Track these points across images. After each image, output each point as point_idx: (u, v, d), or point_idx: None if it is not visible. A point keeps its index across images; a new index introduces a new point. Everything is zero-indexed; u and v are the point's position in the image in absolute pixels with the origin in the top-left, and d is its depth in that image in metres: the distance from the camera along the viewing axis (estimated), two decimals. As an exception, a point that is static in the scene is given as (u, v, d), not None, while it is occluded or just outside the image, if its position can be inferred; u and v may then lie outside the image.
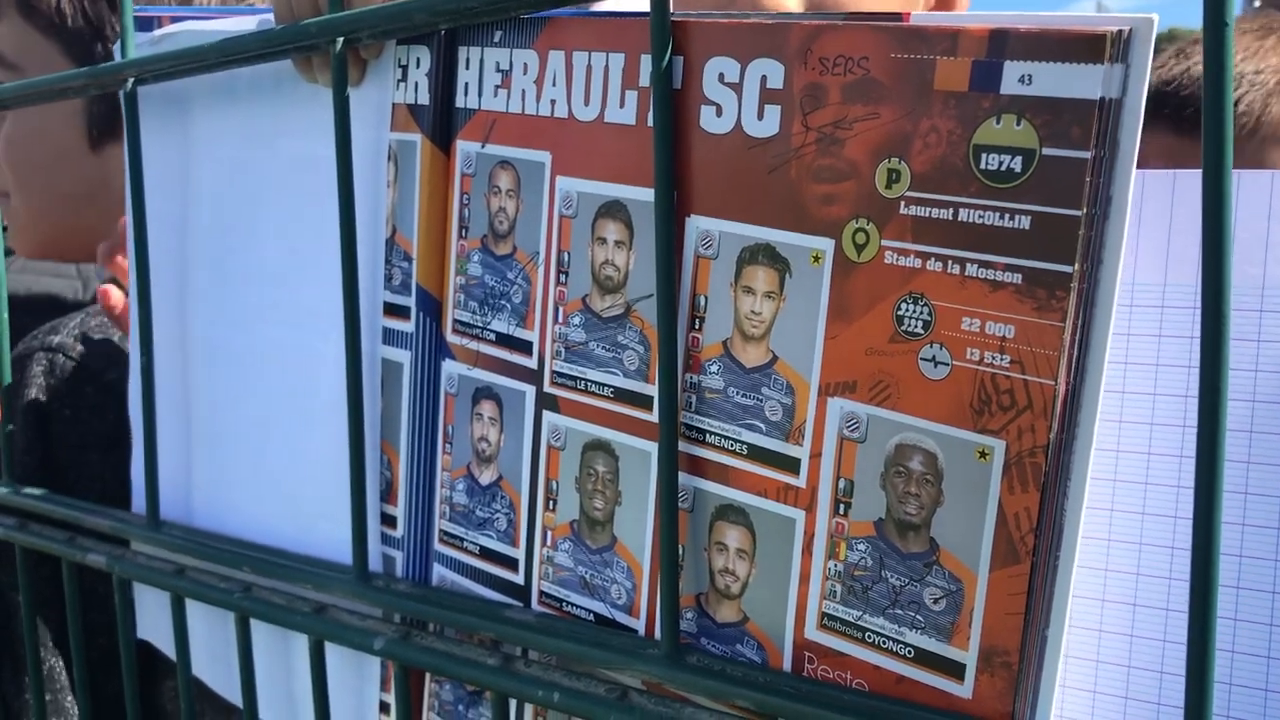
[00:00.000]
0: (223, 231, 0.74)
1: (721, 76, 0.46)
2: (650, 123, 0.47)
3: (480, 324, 0.58)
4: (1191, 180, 0.42)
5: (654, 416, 0.50)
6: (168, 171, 0.77)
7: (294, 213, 0.68)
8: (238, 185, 0.73)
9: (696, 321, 0.48)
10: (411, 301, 0.61)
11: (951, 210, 0.40)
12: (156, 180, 0.76)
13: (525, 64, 0.54)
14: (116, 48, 0.79)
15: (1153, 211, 0.42)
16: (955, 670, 0.41)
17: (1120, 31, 0.36)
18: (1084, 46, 0.36)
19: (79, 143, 1.07)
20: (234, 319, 0.73)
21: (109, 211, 1.04)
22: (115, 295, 0.91)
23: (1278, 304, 0.41)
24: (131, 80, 0.71)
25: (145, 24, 0.78)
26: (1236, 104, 1.03)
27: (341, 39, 0.58)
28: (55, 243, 1.09)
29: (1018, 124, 0.38)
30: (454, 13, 0.54)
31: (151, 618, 0.80)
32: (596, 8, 0.50)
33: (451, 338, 0.59)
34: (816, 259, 0.44)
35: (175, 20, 0.76)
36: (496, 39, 0.55)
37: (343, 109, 0.58)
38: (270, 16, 0.67)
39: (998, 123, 0.38)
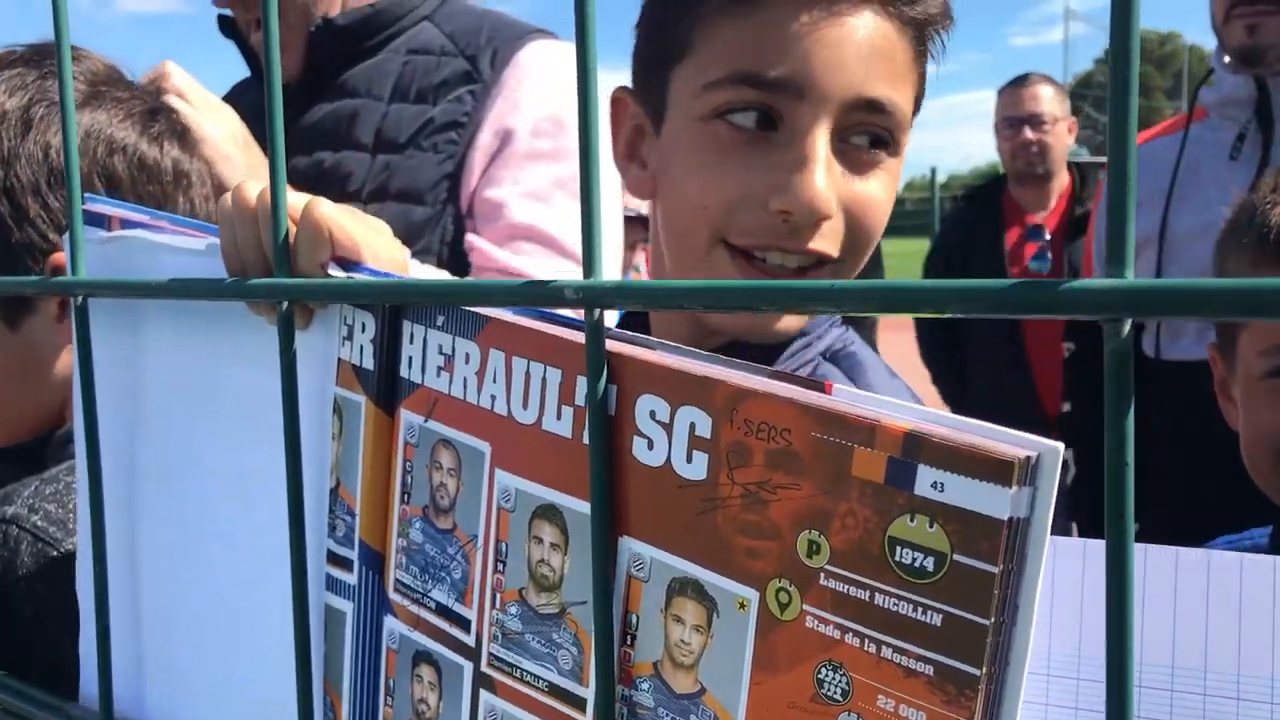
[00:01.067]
0: (171, 445, 0.74)
1: (653, 414, 0.47)
2: (586, 439, 0.48)
3: (421, 589, 0.58)
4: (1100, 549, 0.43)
5: (588, 718, 0.51)
6: (118, 372, 0.77)
7: (242, 441, 0.69)
8: (187, 403, 0.73)
9: (629, 637, 0.49)
10: (354, 555, 0.62)
11: (869, 592, 0.41)
12: (106, 379, 0.76)
13: (467, 354, 0.55)
14: (66, 240, 0.79)
15: (1065, 582, 0.43)
16: None
17: (1028, 457, 0.37)
18: (993, 468, 0.37)
19: None
20: (181, 532, 0.74)
21: (44, 385, 1.04)
22: None
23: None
24: (83, 296, 0.71)
25: (97, 218, 0.79)
26: None
27: (287, 302, 0.59)
28: (7, 427, 1.07)
29: (930, 526, 0.39)
30: (396, 295, 0.55)
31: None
32: (534, 324, 0.51)
33: (394, 595, 0.60)
34: (742, 606, 0.45)
35: (125, 224, 0.76)
36: (439, 323, 0.56)
37: (290, 367, 0.58)
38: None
39: (912, 520, 0.39)
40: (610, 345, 0.48)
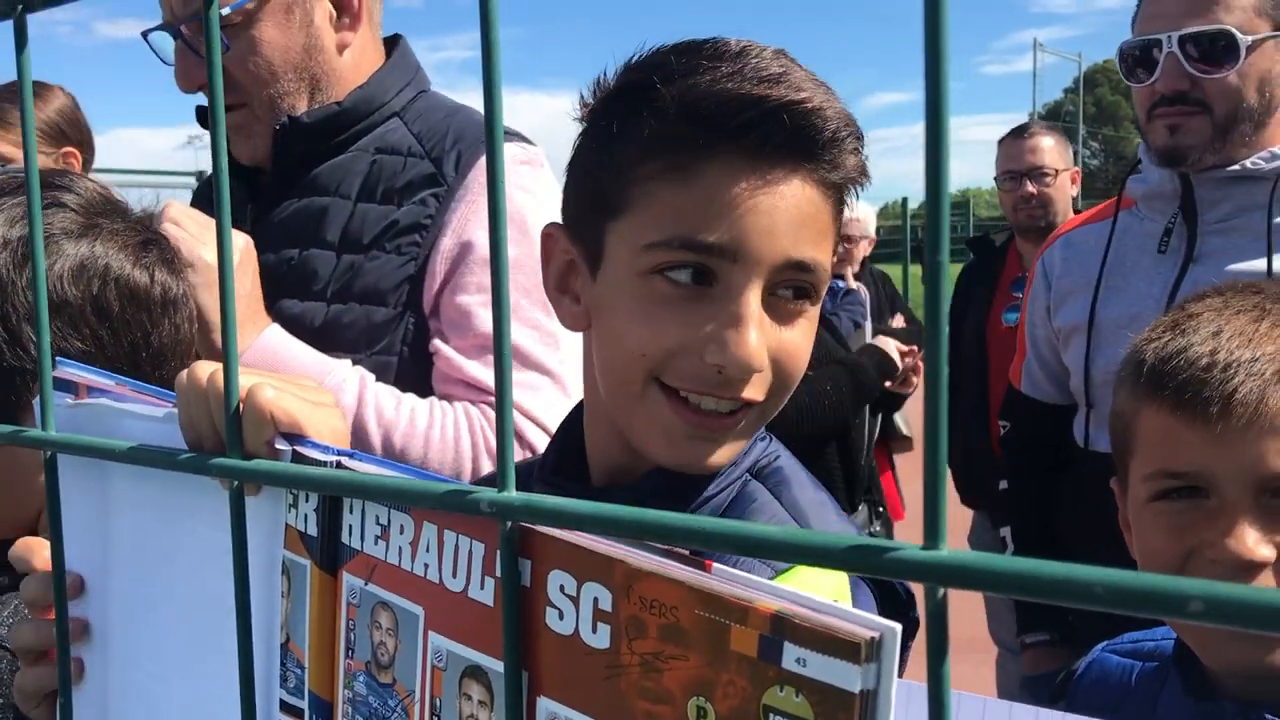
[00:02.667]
0: (137, 589, 0.79)
1: (562, 588, 0.52)
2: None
3: (366, 739, 0.63)
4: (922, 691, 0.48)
5: None
6: (88, 515, 0.82)
7: (200, 592, 0.74)
8: (150, 551, 0.78)
9: (550, 790, 0.54)
10: (305, 705, 0.66)
11: (749, 753, 0.46)
12: (78, 522, 0.81)
13: (402, 525, 0.60)
14: (36, 404, 0.84)
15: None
16: None
17: (873, 638, 0.43)
18: (844, 648, 0.43)
19: None
20: (147, 673, 0.78)
21: (26, 493, 1.09)
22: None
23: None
24: (53, 451, 0.77)
25: (64, 382, 0.84)
26: (1232, 394, 1.01)
27: (238, 482, 0.64)
28: None
29: (797, 696, 0.45)
30: (331, 487, 0.61)
31: None
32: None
33: (341, 744, 0.65)
34: (646, 763, 0.50)
35: (92, 391, 0.82)
36: (376, 496, 0.62)
37: (240, 538, 0.64)
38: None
39: (781, 690, 0.45)
40: (523, 523, 0.54)
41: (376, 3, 1.78)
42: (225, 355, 0.63)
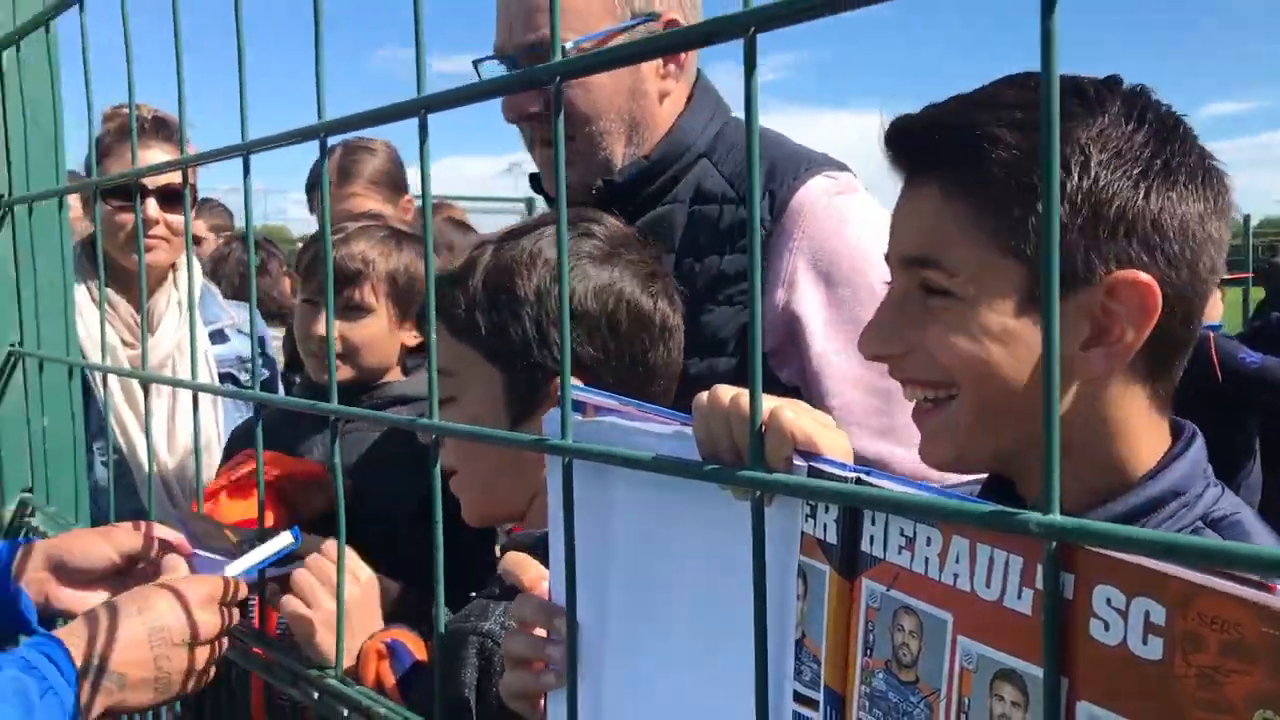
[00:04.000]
0: (634, 592, 0.90)
1: (1109, 601, 0.57)
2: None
3: (885, 732, 0.70)
4: None
5: None
6: (589, 516, 0.93)
7: (703, 596, 0.83)
8: (649, 556, 0.88)
9: (1091, 788, 0.58)
10: (820, 696, 0.74)
11: (1324, 766, 0.49)
12: (580, 523, 0.92)
13: (929, 538, 0.66)
14: (547, 418, 0.96)
15: None
16: None
17: None
18: None
19: (500, 421, 1.32)
20: (643, 666, 0.88)
21: (525, 480, 1.29)
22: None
23: None
24: (570, 458, 0.88)
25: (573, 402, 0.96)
26: None
27: (760, 492, 0.72)
28: (491, 508, 1.37)
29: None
30: (857, 500, 0.67)
31: None
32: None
33: (856, 734, 0.72)
34: (1201, 768, 0.53)
35: (599, 410, 0.93)
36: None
37: (759, 541, 0.72)
38: (686, 428, 0.83)
39: (1363, 708, 0.48)
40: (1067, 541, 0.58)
41: (696, 53, 1.80)
42: (750, 380, 0.71)
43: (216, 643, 1.18)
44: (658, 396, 1.34)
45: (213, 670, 1.18)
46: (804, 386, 1.63)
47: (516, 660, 1.00)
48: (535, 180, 1.84)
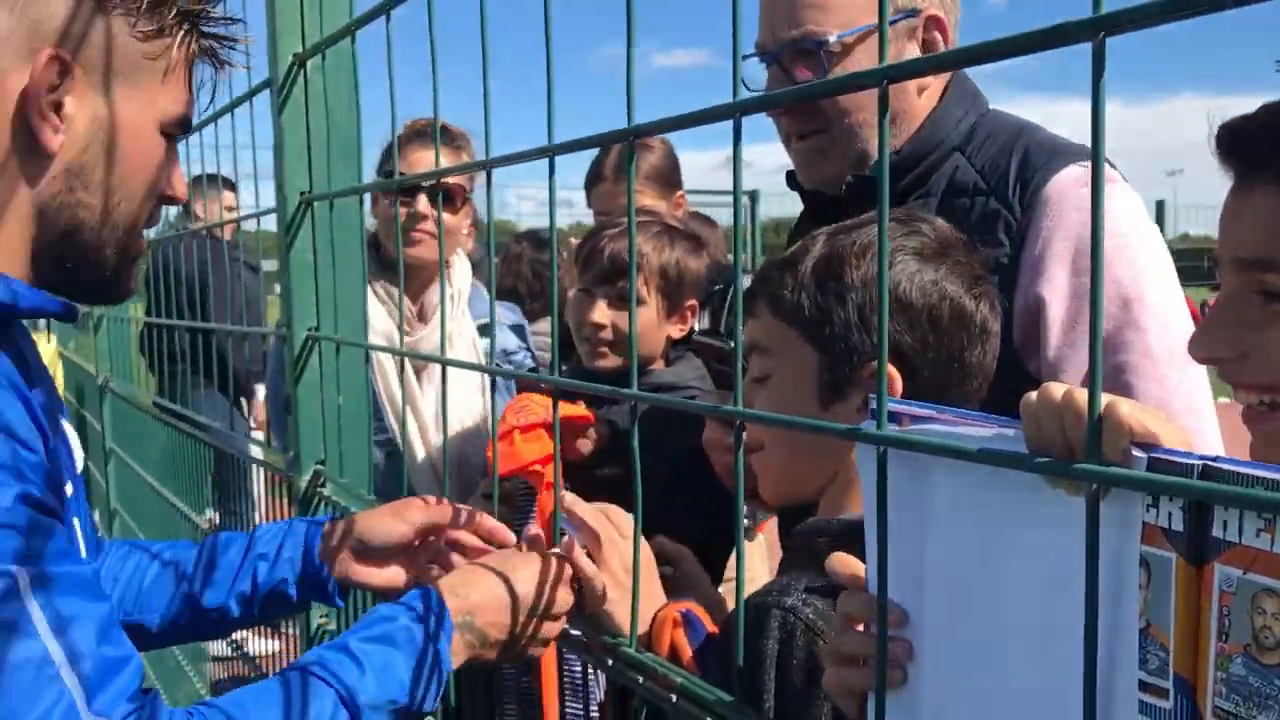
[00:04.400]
0: (955, 587, 0.92)
1: None
2: None
3: (1247, 716, 0.70)
4: None
5: None
6: (903, 516, 0.95)
7: (1034, 589, 0.85)
8: (969, 551, 0.91)
9: None
10: (1169, 684, 0.75)
11: None
12: (894, 515, 0.95)
13: (1290, 520, 0.67)
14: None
15: None
16: None
17: None
18: None
19: (810, 402, 1.36)
20: (967, 659, 0.91)
21: (822, 465, 1.36)
22: None
23: None
24: (885, 448, 0.91)
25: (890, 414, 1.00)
26: None
27: (1096, 485, 0.74)
28: (790, 487, 1.42)
29: None
30: (1199, 494, 0.69)
31: None
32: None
33: (1211, 720, 0.72)
34: None
35: (915, 420, 0.96)
36: (1257, 493, 0.69)
37: (1093, 539, 0.74)
38: (1012, 431, 0.86)
39: None
40: None
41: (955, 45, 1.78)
42: (1091, 374, 0.74)
43: (565, 617, 1.27)
44: (970, 395, 1.37)
45: (551, 644, 1.27)
46: (1040, 377, 1.61)
47: (845, 657, 1.02)
48: (791, 176, 1.88)
